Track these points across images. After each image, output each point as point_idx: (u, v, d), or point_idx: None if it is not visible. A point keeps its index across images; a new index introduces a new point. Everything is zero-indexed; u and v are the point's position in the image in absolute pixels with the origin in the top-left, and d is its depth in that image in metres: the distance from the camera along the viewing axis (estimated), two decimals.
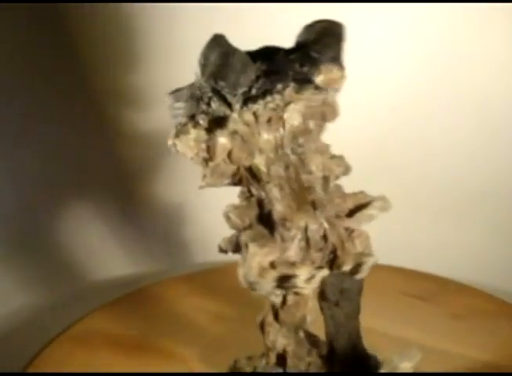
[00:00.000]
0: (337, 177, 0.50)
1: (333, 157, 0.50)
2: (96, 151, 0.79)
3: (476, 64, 0.71)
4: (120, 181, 0.82)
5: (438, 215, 0.78)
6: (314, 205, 0.47)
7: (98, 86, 0.75)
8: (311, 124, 0.47)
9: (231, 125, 0.43)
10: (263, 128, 0.44)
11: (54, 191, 0.79)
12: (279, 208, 0.46)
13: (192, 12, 0.71)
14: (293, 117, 0.45)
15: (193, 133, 0.43)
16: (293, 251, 0.46)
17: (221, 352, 0.63)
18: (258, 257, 0.44)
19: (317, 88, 0.44)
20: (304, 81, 0.44)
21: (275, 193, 0.46)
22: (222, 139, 0.44)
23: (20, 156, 0.75)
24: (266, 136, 0.45)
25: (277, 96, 0.43)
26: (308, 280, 0.45)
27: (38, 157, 0.77)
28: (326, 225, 0.47)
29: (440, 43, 0.70)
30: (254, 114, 0.43)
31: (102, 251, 0.85)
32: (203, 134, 0.43)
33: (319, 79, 0.45)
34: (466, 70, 0.71)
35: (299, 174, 0.47)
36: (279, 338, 0.49)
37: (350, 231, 0.48)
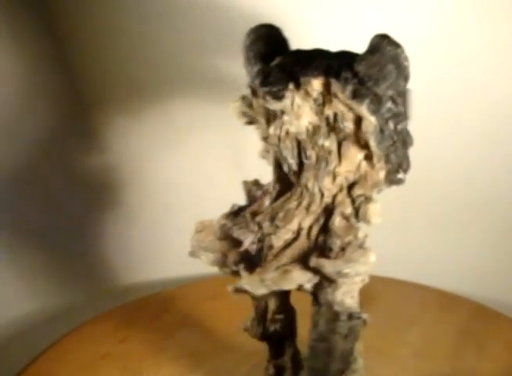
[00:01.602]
0: (345, 216, 0.43)
1: (360, 195, 0.43)
2: (94, 160, 0.77)
3: (478, 70, 0.65)
4: (114, 189, 0.79)
5: (436, 226, 0.76)
6: (272, 217, 0.44)
7: (94, 95, 0.74)
8: (328, 142, 0.42)
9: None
10: (272, 122, 0.45)
11: (53, 199, 0.77)
12: (264, 202, 0.46)
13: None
14: (291, 121, 0.43)
15: (238, 103, 0.48)
16: (247, 242, 0.46)
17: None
18: (211, 222, 0.48)
19: (270, 93, 0.40)
20: (264, 84, 0.41)
21: (271, 187, 0.46)
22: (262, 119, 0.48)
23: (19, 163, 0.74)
24: (272, 131, 0.45)
25: (249, 94, 0.44)
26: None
27: (38, 164, 0.75)
28: (274, 242, 0.44)
29: (439, 44, 0.65)
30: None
31: (100, 261, 0.83)
32: (245, 107, 0.48)
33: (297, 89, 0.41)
34: (466, 76, 0.66)
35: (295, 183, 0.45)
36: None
37: (285, 263, 0.43)
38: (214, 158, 0.76)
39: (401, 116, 0.41)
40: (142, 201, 0.80)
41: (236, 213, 0.49)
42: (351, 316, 0.44)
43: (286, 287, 0.43)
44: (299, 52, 0.45)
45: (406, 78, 0.40)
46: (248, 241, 0.47)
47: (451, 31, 0.64)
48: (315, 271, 0.42)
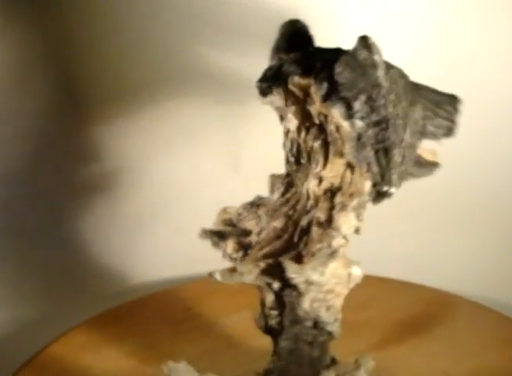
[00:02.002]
0: (320, 222, 0.41)
1: (340, 203, 0.41)
2: (90, 160, 0.74)
3: (479, 66, 0.66)
4: (110, 190, 0.76)
5: (436, 226, 0.75)
6: (268, 211, 0.44)
7: (89, 95, 0.71)
8: (316, 144, 0.41)
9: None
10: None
11: (48, 200, 0.74)
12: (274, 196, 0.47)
13: None
14: (289, 119, 0.42)
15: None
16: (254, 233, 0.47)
17: None
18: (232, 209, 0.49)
19: (258, 88, 0.41)
20: (258, 80, 0.41)
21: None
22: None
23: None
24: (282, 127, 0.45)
25: None
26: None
27: (33, 165, 0.72)
28: (264, 236, 0.44)
29: (437, 40, 0.65)
30: None
31: (97, 262, 0.79)
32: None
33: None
34: (468, 73, 0.65)
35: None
36: None
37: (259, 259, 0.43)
38: (212, 160, 0.75)
39: (383, 124, 0.38)
40: (139, 202, 0.78)
41: (254, 204, 0.50)
42: (316, 326, 0.43)
43: (249, 281, 0.43)
44: (314, 49, 0.44)
45: (378, 85, 0.37)
46: (254, 232, 0.48)
47: (451, 31, 0.63)
48: (281, 272, 0.42)
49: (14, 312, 0.77)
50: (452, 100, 0.45)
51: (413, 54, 0.64)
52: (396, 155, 0.39)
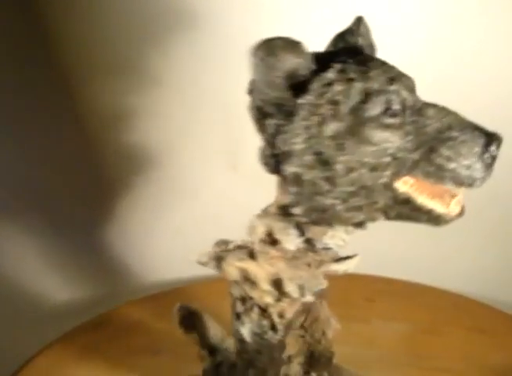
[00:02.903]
0: None
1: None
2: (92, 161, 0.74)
3: (479, 70, 0.65)
4: (108, 192, 0.75)
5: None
6: None
7: (88, 95, 0.69)
8: None
9: None
10: None
11: (47, 200, 0.74)
12: None
13: None
14: None
15: None
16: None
17: None
18: None
19: None
20: None
21: None
22: None
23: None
24: None
25: None
26: None
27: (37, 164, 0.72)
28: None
29: (436, 41, 0.65)
30: None
31: (96, 264, 0.79)
32: None
33: None
34: (467, 73, 0.66)
35: None
36: None
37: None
38: (211, 160, 0.73)
39: (276, 136, 0.34)
40: (139, 206, 0.76)
41: None
42: (238, 317, 0.42)
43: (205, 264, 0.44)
44: (344, 49, 0.39)
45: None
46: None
47: (451, 30, 0.64)
48: None
49: (13, 312, 0.78)
50: (476, 141, 0.33)
51: (413, 54, 0.62)
52: (291, 173, 0.34)
